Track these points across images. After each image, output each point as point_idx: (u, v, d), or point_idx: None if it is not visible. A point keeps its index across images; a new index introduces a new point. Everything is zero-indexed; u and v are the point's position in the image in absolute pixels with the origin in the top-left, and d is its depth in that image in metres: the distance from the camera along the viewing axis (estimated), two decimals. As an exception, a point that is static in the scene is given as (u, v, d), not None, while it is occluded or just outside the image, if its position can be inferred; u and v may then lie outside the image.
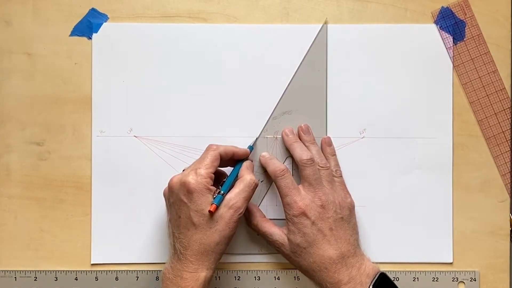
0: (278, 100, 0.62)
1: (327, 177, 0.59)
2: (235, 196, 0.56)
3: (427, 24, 0.63)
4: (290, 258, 0.59)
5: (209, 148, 0.58)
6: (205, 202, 0.55)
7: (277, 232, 0.59)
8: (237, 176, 0.58)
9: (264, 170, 0.62)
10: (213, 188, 0.56)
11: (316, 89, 0.63)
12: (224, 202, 0.55)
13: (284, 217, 0.59)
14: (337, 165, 0.61)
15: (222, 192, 0.56)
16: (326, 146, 0.62)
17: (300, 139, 0.61)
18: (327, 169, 0.59)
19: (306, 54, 0.62)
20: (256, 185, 0.57)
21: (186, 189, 0.55)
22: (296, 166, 0.60)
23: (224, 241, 0.55)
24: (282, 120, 0.62)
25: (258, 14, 0.63)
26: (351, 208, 0.60)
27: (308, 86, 0.62)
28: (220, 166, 0.58)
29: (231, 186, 0.57)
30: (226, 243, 0.56)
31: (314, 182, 0.58)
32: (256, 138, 0.62)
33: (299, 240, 0.57)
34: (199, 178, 0.55)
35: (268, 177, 0.62)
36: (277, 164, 0.60)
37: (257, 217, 0.61)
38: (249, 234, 0.62)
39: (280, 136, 0.62)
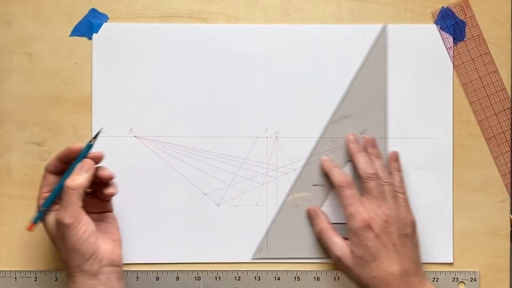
0: (337, 103, 0.62)
1: (390, 193, 0.58)
2: (59, 209, 0.53)
3: (427, 24, 0.63)
4: (350, 271, 0.58)
5: None
6: (46, 225, 0.55)
7: (339, 243, 0.58)
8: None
9: (324, 173, 0.61)
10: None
11: (376, 91, 0.62)
12: (54, 217, 0.54)
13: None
14: (402, 181, 0.60)
15: (42, 209, 0.54)
16: (393, 161, 0.61)
17: (365, 150, 0.61)
18: (391, 184, 0.58)
19: (366, 57, 0.62)
20: (72, 188, 0.52)
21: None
22: (358, 174, 0.60)
23: (78, 257, 0.53)
24: (342, 124, 0.62)
25: (258, 14, 0.63)
26: (414, 226, 0.58)
27: (367, 89, 0.62)
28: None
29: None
30: (87, 260, 0.53)
31: (378, 195, 0.57)
32: (98, 132, 0.57)
33: (362, 253, 0.56)
34: (37, 208, 0.55)
35: (329, 180, 0.61)
36: (342, 174, 0.59)
37: (322, 223, 0.60)
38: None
39: (339, 139, 0.62)
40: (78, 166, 0.54)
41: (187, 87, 0.63)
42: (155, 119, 0.62)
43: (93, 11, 0.62)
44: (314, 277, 0.62)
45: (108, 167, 0.62)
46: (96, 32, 0.62)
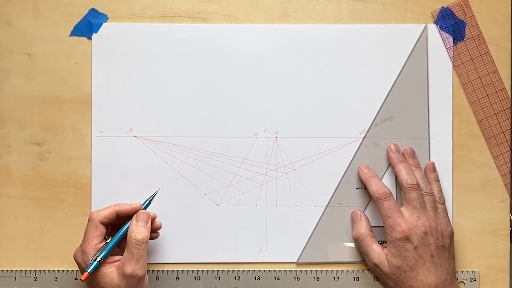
0: (379, 106, 0.62)
1: (431, 204, 0.58)
2: (125, 261, 0.54)
3: (427, 24, 0.63)
4: (387, 278, 0.58)
5: (88, 218, 0.56)
6: (99, 277, 0.54)
7: (377, 251, 0.59)
8: (125, 234, 0.56)
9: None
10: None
11: (418, 93, 0.62)
12: (118, 270, 0.54)
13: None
14: (441, 191, 0.60)
15: (99, 258, 0.54)
16: (430, 172, 0.61)
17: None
18: (431, 195, 0.59)
19: (407, 59, 0.62)
20: (141, 242, 0.55)
21: (80, 268, 0.56)
22: (398, 184, 0.60)
23: None
24: (384, 127, 0.62)
25: (258, 14, 0.63)
26: (451, 237, 0.59)
27: (409, 91, 0.62)
28: (118, 225, 0.57)
29: (115, 247, 0.56)
30: None
31: (419, 206, 0.57)
32: (155, 193, 0.60)
33: (400, 263, 0.57)
34: (84, 256, 0.55)
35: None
36: (380, 185, 0.59)
37: (362, 227, 0.60)
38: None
39: (381, 144, 0.62)
40: (142, 219, 0.56)
41: (187, 87, 0.63)
42: (155, 119, 0.62)
43: (93, 11, 0.62)
44: (314, 277, 0.62)
45: (108, 166, 0.62)
46: (96, 32, 0.62)
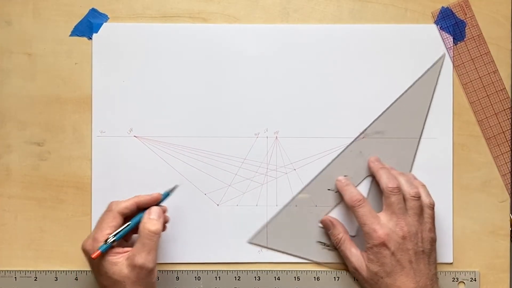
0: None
1: (416, 209, 0.57)
2: (136, 252, 0.54)
3: (427, 24, 0.63)
4: (366, 283, 0.58)
5: (107, 208, 0.56)
6: (107, 266, 0.54)
7: (356, 254, 0.59)
8: (138, 224, 0.56)
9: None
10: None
11: (416, 116, 0.62)
12: (128, 261, 0.54)
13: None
14: (429, 195, 0.59)
15: (111, 240, 0.54)
16: (413, 180, 0.60)
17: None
18: (417, 199, 0.58)
19: (416, 81, 0.62)
20: (155, 234, 0.54)
21: (87, 256, 0.55)
22: (376, 190, 0.61)
23: None
24: (373, 139, 0.62)
25: (258, 14, 0.63)
26: (433, 242, 0.58)
27: (409, 111, 0.62)
28: (133, 216, 0.57)
29: (129, 234, 0.57)
30: None
31: (398, 211, 0.57)
32: (175, 186, 0.60)
33: (377, 269, 0.56)
34: (94, 243, 0.54)
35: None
36: (354, 193, 0.59)
37: (340, 233, 0.60)
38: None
39: (365, 154, 0.62)
40: (155, 212, 0.56)
41: (187, 87, 0.63)
42: (155, 119, 0.62)
43: (93, 11, 0.62)
44: (314, 277, 0.62)
45: (108, 166, 0.62)
46: (96, 32, 0.62)
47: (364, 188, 0.62)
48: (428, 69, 0.62)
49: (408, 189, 0.58)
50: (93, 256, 0.53)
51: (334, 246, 0.61)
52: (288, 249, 0.62)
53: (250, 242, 0.62)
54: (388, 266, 0.56)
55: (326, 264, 0.62)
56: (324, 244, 0.62)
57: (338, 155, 0.62)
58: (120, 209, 0.56)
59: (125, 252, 0.55)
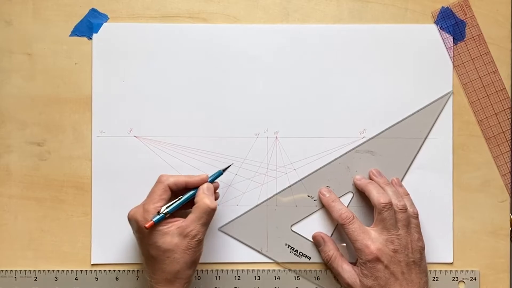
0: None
1: (405, 221, 0.58)
2: (190, 223, 0.55)
3: (427, 24, 0.63)
4: None
5: (158, 180, 0.57)
6: (157, 236, 0.55)
7: (348, 270, 0.59)
8: (192, 200, 0.57)
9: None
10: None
11: (411, 144, 0.62)
12: (179, 230, 0.55)
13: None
14: (412, 204, 0.60)
15: (164, 212, 0.55)
16: (398, 187, 0.61)
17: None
18: (405, 211, 0.58)
19: (420, 109, 0.62)
20: (213, 210, 0.56)
21: (136, 226, 0.56)
22: (362, 202, 0.61)
23: (186, 267, 0.55)
24: (363, 157, 0.62)
25: (258, 14, 0.63)
26: (422, 251, 0.58)
27: (405, 138, 0.62)
28: (177, 194, 0.57)
29: (182, 207, 0.57)
30: (191, 268, 0.56)
31: (390, 226, 0.57)
32: (230, 165, 0.61)
33: (372, 283, 0.57)
34: (146, 214, 0.55)
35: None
36: (343, 210, 0.59)
37: (330, 250, 0.60)
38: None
39: (352, 170, 0.62)
40: (211, 189, 0.58)
41: (187, 87, 0.63)
42: (155, 119, 0.62)
43: (93, 11, 0.62)
44: (314, 277, 0.62)
45: (108, 166, 0.62)
46: (96, 32, 0.62)
47: (344, 201, 0.62)
48: (432, 102, 0.62)
49: (396, 202, 0.58)
50: (147, 225, 0.54)
51: (324, 262, 0.62)
52: (252, 243, 0.62)
53: (219, 229, 0.62)
54: (382, 280, 0.56)
55: (285, 264, 0.62)
56: (293, 248, 0.62)
57: (324, 166, 0.62)
58: (170, 183, 0.57)
59: (175, 221, 0.55)
